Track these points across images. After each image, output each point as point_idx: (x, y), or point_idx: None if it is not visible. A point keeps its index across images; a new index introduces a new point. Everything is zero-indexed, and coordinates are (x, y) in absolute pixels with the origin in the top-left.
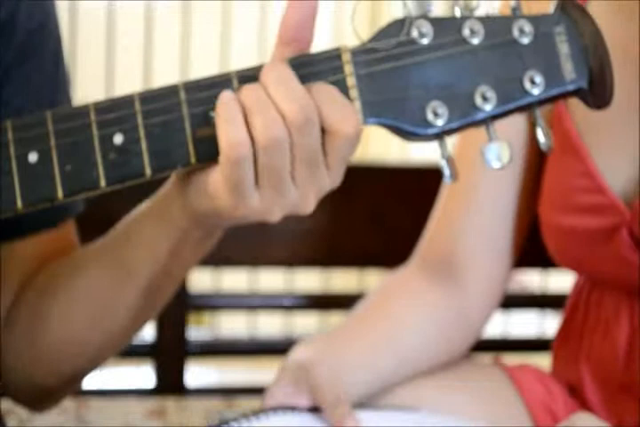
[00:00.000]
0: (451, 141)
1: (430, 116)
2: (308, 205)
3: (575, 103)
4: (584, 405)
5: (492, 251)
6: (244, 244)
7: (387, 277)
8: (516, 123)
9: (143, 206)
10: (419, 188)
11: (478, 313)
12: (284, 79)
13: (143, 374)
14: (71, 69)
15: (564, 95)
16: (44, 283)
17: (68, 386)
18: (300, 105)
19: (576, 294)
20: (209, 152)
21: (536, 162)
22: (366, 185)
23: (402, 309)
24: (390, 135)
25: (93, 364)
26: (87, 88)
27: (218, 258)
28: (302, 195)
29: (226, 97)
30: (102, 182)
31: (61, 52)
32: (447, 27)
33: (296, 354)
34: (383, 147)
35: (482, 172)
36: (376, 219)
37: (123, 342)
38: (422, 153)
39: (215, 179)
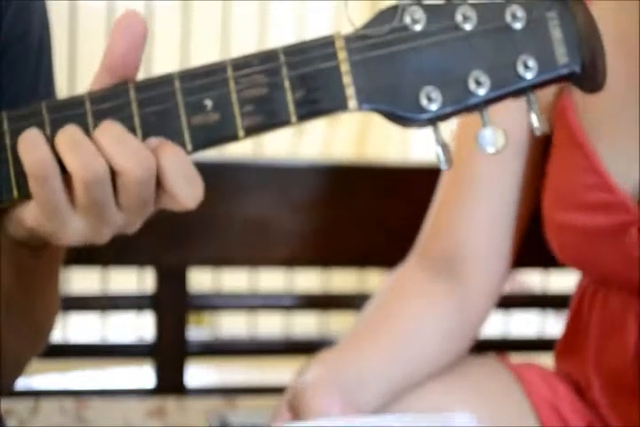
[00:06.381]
0: (446, 132)
1: (424, 102)
2: (135, 227)
3: (580, 97)
4: (591, 404)
5: (493, 243)
6: (244, 244)
7: (387, 278)
8: (517, 114)
9: None
10: (419, 188)
11: (478, 307)
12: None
13: (143, 374)
14: (71, 69)
15: (558, 79)
16: None
17: None
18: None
19: (579, 294)
20: (204, 139)
21: (538, 154)
22: (366, 185)
23: (409, 314)
24: (390, 135)
25: None
26: (87, 88)
27: (218, 258)
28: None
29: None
30: None
31: (46, 62)
32: (440, 13)
33: (307, 375)
34: (383, 147)
35: (481, 162)
36: (376, 219)
37: None
38: (422, 153)
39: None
